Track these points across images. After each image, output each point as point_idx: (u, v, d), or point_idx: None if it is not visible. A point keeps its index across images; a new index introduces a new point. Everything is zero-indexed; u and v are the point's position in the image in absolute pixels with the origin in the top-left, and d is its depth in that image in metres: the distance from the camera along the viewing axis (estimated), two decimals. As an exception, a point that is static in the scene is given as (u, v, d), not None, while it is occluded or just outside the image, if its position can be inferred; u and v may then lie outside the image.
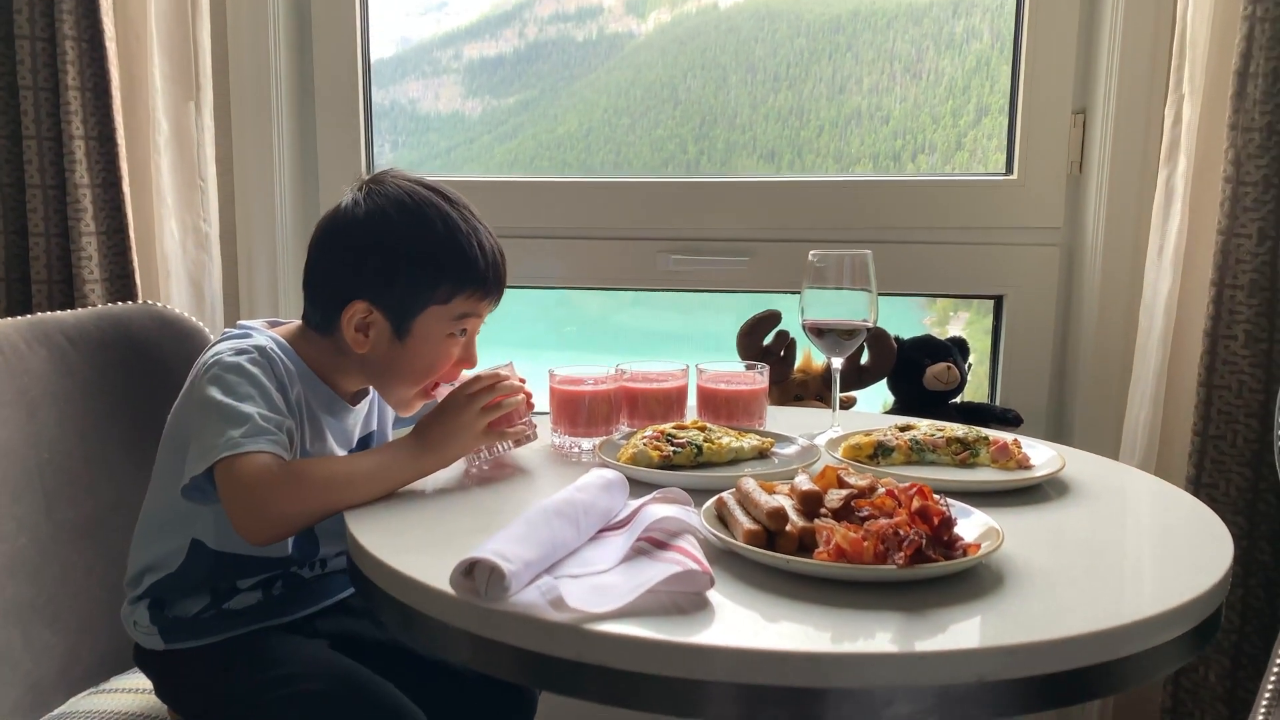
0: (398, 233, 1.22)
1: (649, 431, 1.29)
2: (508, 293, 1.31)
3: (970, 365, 2.07)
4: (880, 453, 1.28)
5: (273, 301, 2.10)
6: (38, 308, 1.74)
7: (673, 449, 1.25)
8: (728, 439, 1.30)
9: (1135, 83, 1.87)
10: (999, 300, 2.10)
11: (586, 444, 1.37)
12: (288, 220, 2.10)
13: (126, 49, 1.79)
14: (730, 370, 1.48)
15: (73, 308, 1.75)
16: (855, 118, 1.94)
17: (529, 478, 1.29)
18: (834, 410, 1.47)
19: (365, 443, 1.39)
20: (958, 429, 1.31)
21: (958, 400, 2.06)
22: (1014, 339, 2.07)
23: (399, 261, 1.22)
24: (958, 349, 2.05)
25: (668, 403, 1.42)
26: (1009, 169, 2.05)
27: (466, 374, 1.32)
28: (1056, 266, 2.02)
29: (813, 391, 2.06)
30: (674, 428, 1.30)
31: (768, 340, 2.01)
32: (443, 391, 1.28)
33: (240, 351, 1.20)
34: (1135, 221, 1.91)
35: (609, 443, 1.30)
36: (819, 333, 1.43)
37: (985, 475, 1.24)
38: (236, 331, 1.27)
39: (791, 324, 2.01)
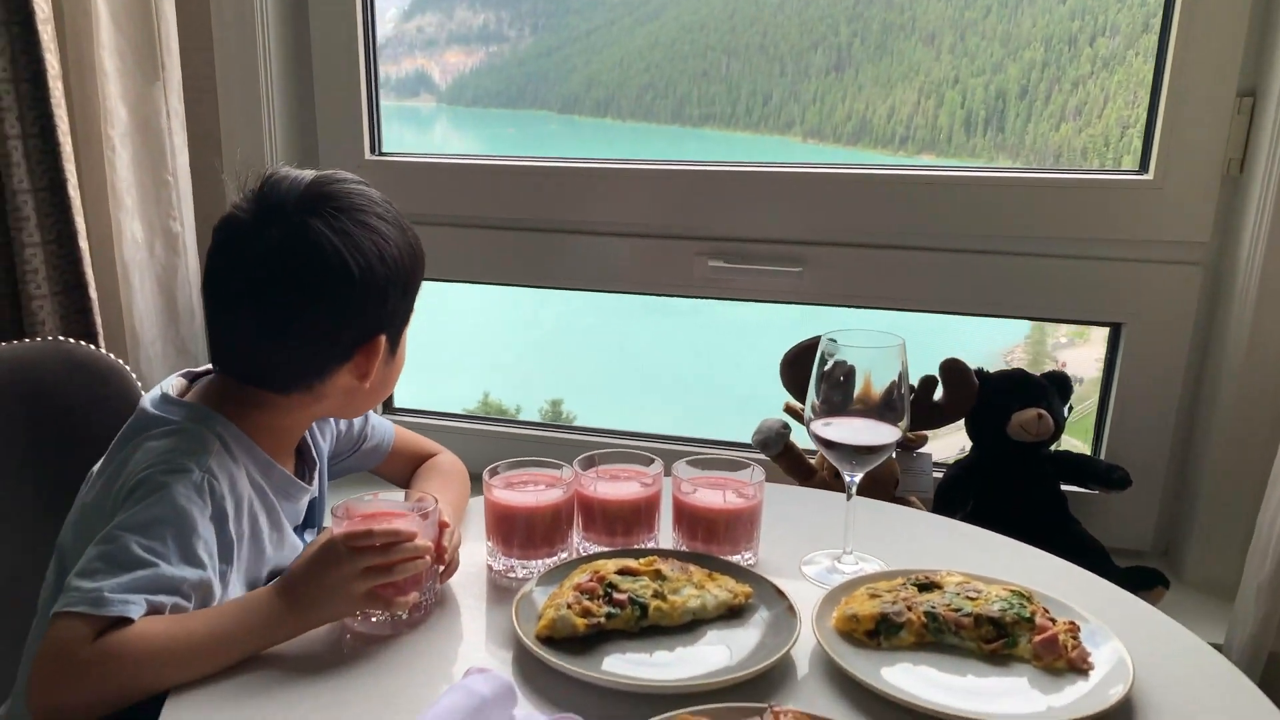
0: (398, 249, 1.06)
1: (585, 576, 1.01)
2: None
3: (1071, 409, 1.68)
4: (883, 630, 0.96)
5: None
6: (-17, 325, 1.58)
7: (608, 610, 0.97)
8: (687, 591, 1.01)
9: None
10: (1116, 329, 1.68)
11: (524, 568, 1.11)
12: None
13: (74, 27, 1.56)
14: (716, 475, 1.16)
15: (21, 325, 1.58)
16: (1028, -5, 1.67)
17: (437, 627, 1.04)
18: (846, 534, 1.15)
19: (309, 515, 1.22)
20: (995, 602, 0.97)
21: (1053, 449, 1.68)
22: (1132, 379, 1.66)
23: (406, 279, 1.08)
24: (1056, 389, 1.66)
25: (632, 517, 1.13)
26: (1143, 166, 1.60)
27: (371, 508, 1.06)
28: (1197, 291, 1.59)
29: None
30: (618, 572, 1.02)
31: (818, 369, 1.68)
32: (334, 526, 1.02)
33: (174, 470, 0.98)
34: (1311, 243, 1.46)
35: (525, 600, 1.02)
36: (828, 444, 1.10)
37: (1015, 683, 0.91)
38: (169, 420, 1.04)
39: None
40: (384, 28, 1.99)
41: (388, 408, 2.03)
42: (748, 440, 1.70)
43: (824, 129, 1.83)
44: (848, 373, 1.08)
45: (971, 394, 1.64)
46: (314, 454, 1.21)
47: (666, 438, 1.92)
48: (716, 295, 1.80)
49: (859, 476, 1.12)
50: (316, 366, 1.05)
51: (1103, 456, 1.71)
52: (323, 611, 0.97)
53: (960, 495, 1.67)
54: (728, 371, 2.18)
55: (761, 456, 1.69)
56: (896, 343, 1.08)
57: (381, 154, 1.92)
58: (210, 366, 1.12)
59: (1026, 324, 2.02)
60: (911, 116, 1.76)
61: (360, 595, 0.97)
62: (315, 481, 1.20)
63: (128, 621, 0.90)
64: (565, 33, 1.99)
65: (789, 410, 1.76)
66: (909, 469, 1.69)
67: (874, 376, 1.10)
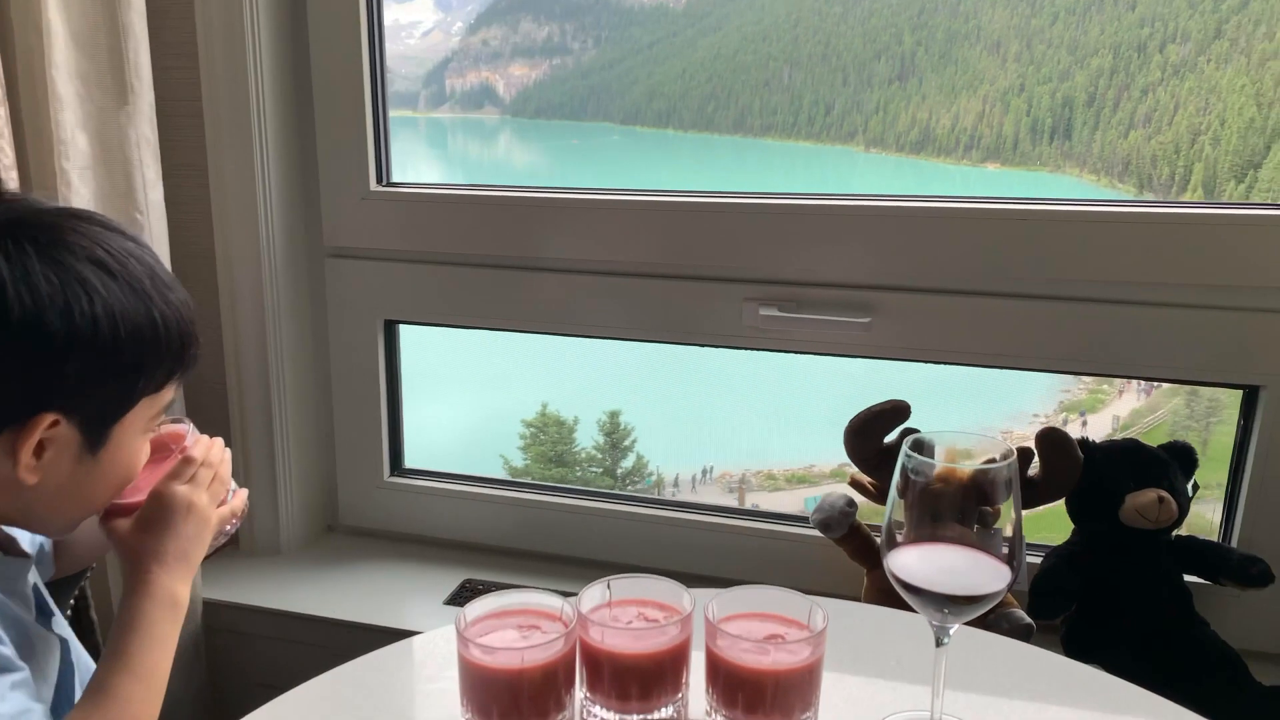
0: (110, 309, 0.81)
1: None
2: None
3: (1196, 488, 1.40)
4: None
5: (260, 341, 1.67)
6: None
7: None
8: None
9: None
10: (1252, 392, 1.40)
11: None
12: (276, 239, 1.65)
13: (25, 46, 1.36)
14: (762, 615, 0.90)
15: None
16: (1096, 2, 1.64)
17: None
18: (933, 700, 0.89)
19: (42, 601, 0.96)
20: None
21: (1174, 534, 1.40)
22: (1272, 451, 1.37)
23: (116, 352, 0.82)
24: (1177, 464, 1.38)
25: (653, 675, 0.88)
26: (1286, 198, 1.32)
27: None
28: (1357, 350, 1.30)
29: (951, 509, 1.44)
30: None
31: (890, 438, 1.42)
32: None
33: None
34: None
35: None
36: (911, 589, 0.84)
37: None
38: None
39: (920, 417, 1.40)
40: (450, 42, 2.06)
41: (395, 467, 1.80)
42: (805, 517, 1.45)
43: (886, 138, 1.78)
44: (933, 483, 0.82)
45: (1075, 471, 1.38)
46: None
47: (711, 508, 1.67)
48: (769, 347, 1.55)
49: (954, 629, 0.86)
50: None
51: (1234, 543, 1.43)
52: (196, 559, 0.92)
53: (1062, 592, 1.40)
54: (784, 425, 1.99)
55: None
56: (1005, 455, 0.82)
57: (390, 184, 1.69)
58: None
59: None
60: (976, 125, 1.71)
61: (217, 517, 0.94)
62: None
63: None
64: (628, 45, 1.98)
65: (855, 484, 1.50)
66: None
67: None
